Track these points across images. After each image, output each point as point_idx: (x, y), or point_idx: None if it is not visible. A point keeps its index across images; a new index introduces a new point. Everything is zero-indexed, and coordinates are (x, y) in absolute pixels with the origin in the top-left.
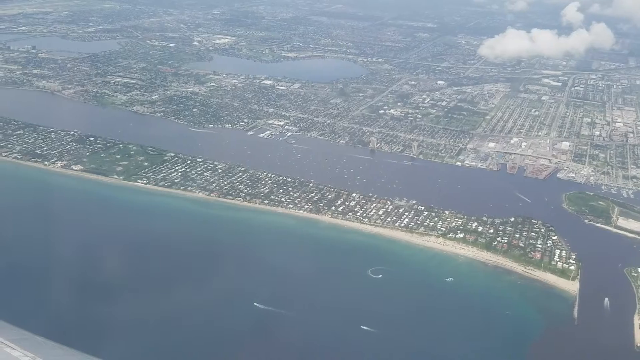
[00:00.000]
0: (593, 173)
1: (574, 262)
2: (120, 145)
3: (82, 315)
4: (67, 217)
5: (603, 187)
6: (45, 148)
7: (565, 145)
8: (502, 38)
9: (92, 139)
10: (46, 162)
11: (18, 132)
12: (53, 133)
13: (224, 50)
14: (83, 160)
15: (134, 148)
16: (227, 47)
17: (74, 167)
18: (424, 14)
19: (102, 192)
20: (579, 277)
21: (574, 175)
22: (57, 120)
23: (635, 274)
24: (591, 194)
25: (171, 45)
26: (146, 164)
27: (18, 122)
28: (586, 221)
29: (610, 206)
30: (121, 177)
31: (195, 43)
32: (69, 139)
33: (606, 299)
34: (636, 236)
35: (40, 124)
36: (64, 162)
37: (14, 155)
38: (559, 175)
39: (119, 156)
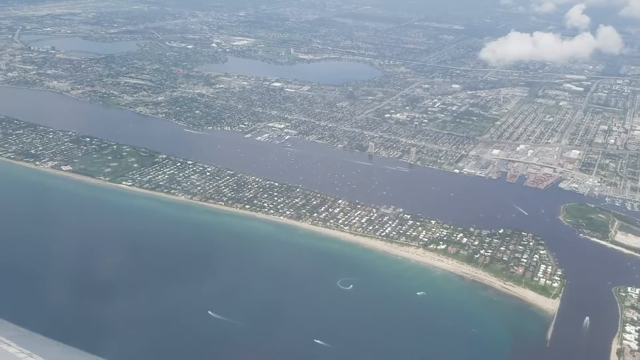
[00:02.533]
0: (599, 184)
1: (558, 278)
2: (114, 146)
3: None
4: (40, 217)
5: (607, 198)
6: (40, 148)
7: (574, 153)
8: (504, 41)
9: (88, 139)
10: (37, 162)
11: (18, 132)
12: (51, 133)
13: (241, 52)
14: (74, 160)
15: (127, 149)
16: (244, 48)
17: (64, 167)
18: (453, 15)
19: (84, 193)
20: (561, 295)
21: (576, 185)
22: (58, 121)
23: (624, 294)
24: (592, 206)
25: (189, 46)
26: (136, 165)
27: (20, 122)
28: (581, 235)
29: (610, 219)
30: (107, 179)
31: (214, 45)
32: (66, 139)
33: (586, 319)
34: (633, 252)
35: (41, 124)
36: (55, 163)
37: (9, 154)
38: (561, 185)
39: (110, 157)
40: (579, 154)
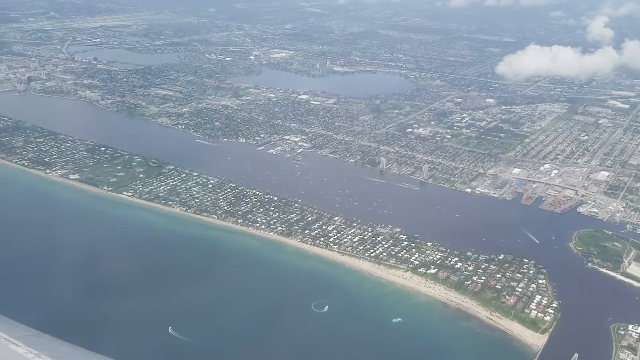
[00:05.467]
0: (622, 209)
1: (552, 311)
2: (126, 156)
3: None
4: (30, 225)
5: (628, 225)
6: (54, 156)
7: (602, 175)
8: (523, 55)
9: (103, 149)
10: (48, 170)
11: (39, 140)
12: (70, 142)
13: (277, 65)
14: (84, 169)
15: (138, 159)
16: (281, 61)
17: (71, 176)
18: (504, 27)
19: (81, 202)
20: (551, 329)
21: (596, 210)
22: (79, 129)
23: (623, 332)
24: (609, 233)
25: (227, 59)
26: (142, 175)
27: (43, 130)
28: (589, 265)
29: (626, 249)
30: (110, 189)
31: (252, 57)
32: (81, 148)
33: (574, 357)
34: None
35: (63, 133)
36: (64, 171)
37: (23, 162)
38: (580, 209)
39: (119, 167)
40: (608, 176)
